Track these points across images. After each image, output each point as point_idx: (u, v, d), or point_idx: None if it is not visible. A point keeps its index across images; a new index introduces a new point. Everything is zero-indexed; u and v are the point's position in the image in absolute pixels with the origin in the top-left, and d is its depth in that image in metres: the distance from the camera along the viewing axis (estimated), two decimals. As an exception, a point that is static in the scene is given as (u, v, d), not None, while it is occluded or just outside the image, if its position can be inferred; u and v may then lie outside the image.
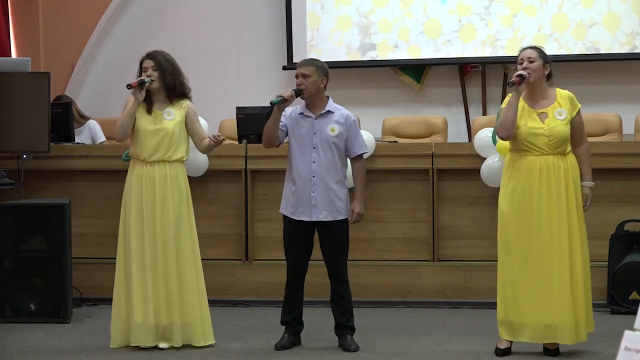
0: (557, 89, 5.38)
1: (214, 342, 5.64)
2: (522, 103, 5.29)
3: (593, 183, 5.38)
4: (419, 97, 8.90)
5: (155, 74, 5.55)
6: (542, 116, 5.26)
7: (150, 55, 5.61)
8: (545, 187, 5.21)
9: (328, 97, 5.58)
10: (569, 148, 5.32)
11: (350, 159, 5.62)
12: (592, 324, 5.35)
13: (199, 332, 5.60)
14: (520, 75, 5.20)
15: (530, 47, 5.38)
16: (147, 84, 5.51)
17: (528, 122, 5.25)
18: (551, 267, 5.19)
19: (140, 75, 5.57)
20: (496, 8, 8.61)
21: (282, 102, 5.37)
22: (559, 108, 5.28)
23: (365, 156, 6.78)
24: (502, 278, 5.31)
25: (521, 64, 5.28)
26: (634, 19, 8.40)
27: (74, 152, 7.25)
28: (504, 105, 5.35)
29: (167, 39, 8.89)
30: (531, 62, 5.26)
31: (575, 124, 5.31)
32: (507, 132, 5.25)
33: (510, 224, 5.26)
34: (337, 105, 5.60)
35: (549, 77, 5.35)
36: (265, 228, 6.87)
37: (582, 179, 5.34)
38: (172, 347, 5.53)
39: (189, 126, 5.63)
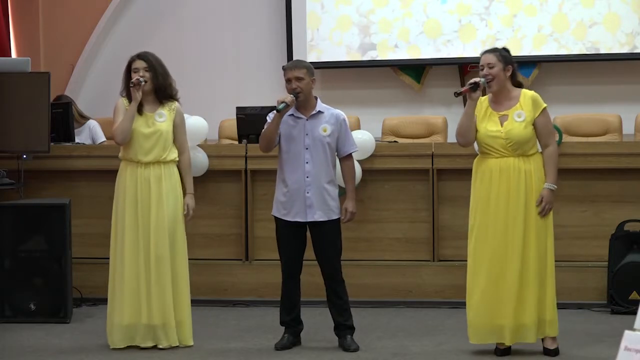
0: (523, 90, 5.33)
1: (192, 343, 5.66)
2: (485, 106, 5.29)
3: (555, 185, 5.24)
4: (419, 97, 8.90)
5: (148, 74, 5.56)
6: (503, 118, 5.26)
7: (141, 56, 5.61)
8: (504, 189, 5.21)
9: (316, 98, 5.60)
10: (534, 150, 5.27)
11: (340, 158, 5.64)
12: (555, 326, 5.28)
13: (189, 332, 5.63)
14: (472, 84, 5.19)
15: (489, 51, 5.33)
16: (143, 84, 5.52)
17: (488, 125, 5.25)
18: (504, 269, 5.20)
19: (128, 75, 5.57)
20: (496, 8, 8.61)
21: (285, 108, 5.40)
22: (519, 110, 5.24)
23: (362, 156, 6.82)
24: (468, 281, 5.35)
25: (482, 69, 5.26)
26: (634, 19, 8.40)
27: (74, 152, 7.24)
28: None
29: (167, 39, 8.90)
30: (491, 67, 5.25)
31: (539, 124, 5.25)
32: (464, 139, 5.32)
33: (473, 227, 5.30)
34: (326, 105, 5.62)
35: (513, 77, 5.29)
36: (265, 228, 6.86)
37: (545, 181, 5.28)
38: (170, 347, 5.55)
39: (173, 129, 5.64)
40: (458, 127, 5.31)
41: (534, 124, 5.23)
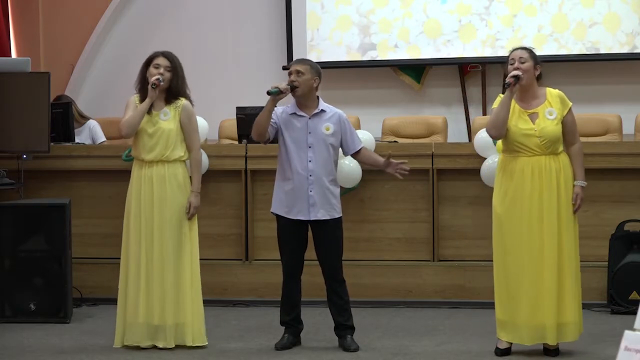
0: (548, 89, 5.36)
1: (207, 343, 5.63)
2: (513, 104, 5.27)
3: (585, 182, 5.32)
4: (419, 97, 8.90)
5: (168, 75, 5.54)
6: (533, 116, 5.26)
7: (166, 54, 5.59)
8: (537, 188, 5.21)
9: (318, 97, 5.60)
10: (561, 148, 5.30)
11: (352, 156, 5.67)
12: (581, 325, 5.30)
13: (194, 332, 5.60)
14: (515, 76, 5.20)
15: (521, 48, 5.37)
16: (161, 84, 5.51)
17: (519, 123, 5.24)
18: (542, 269, 5.19)
19: (146, 68, 5.55)
20: (496, 8, 8.61)
21: (278, 94, 5.40)
22: (550, 108, 5.27)
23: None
24: (498, 279, 5.32)
25: (512, 64, 5.27)
26: (634, 19, 8.39)
27: (74, 152, 7.24)
28: (495, 105, 5.35)
29: (167, 39, 8.88)
30: (522, 62, 5.26)
31: (567, 123, 5.29)
32: (498, 131, 5.25)
33: (504, 226, 5.27)
34: (328, 105, 5.63)
35: (539, 77, 5.33)
36: (265, 228, 6.87)
37: (574, 179, 5.31)
38: (167, 348, 5.54)
39: (181, 127, 5.62)
40: (493, 120, 5.22)
41: (562, 122, 5.26)
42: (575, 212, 5.26)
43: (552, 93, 5.32)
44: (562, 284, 5.20)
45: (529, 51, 5.33)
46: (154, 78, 5.49)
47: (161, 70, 5.53)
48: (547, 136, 5.21)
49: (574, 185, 5.28)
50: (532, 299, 5.19)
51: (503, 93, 5.31)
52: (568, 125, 5.29)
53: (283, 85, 5.42)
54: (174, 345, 5.54)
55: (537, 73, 5.31)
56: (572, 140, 5.33)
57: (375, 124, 8.13)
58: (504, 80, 5.37)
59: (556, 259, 5.18)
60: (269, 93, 5.38)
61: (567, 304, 5.20)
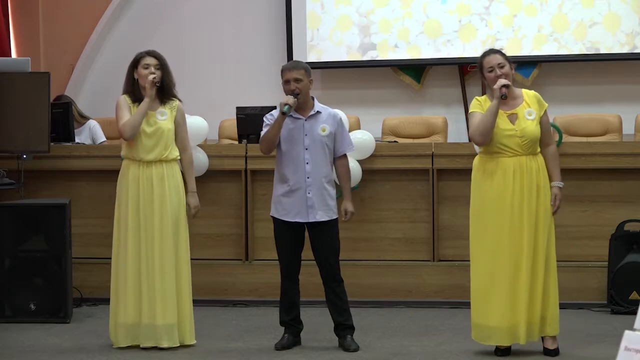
0: (523, 90, 5.39)
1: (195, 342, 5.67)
2: (489, 105, 5.28)
3: (562, 183, 5.33)
4: (419, 97, 8.90)
5: (159, 73, 5.56)
6: (512, 117, 5.27)
7: (151, 53, 5.62)
8: (519, 188, 5.22)
9: (313, 98, 5.60)
10: (539, 149, 5.31)
11: (335, 158, 5.63)
12: (557, 325, 5.30)
13: (191, 331, 5.64)
14: (506, 85, 5.20)
15: (494, 52, 5.35)
16: (158, 82, 5.54)
17: (500, 123, 5.24)
18: (519, 269, 5.19)
19: (133, 69, 5.57)
20: (496, 8, 8.61)
21: (289, 110, 5.41)
22: (528, 108, 5.28)
23: (362, 156, 6.83)
24: (474, 281, 5.32)
25: (491, 71, 5.26)
26: (634, 19, 8.39)
27: (74, 152, 7.24)
28: (473, 109, 5.33)
29: (167, 39, 8.89)
30: (501, 67, 5.26)
31: (543, 123, 5.31)
32: (484, 138, 5.26)
33: (483, 227, 5.28)
34: (323, 105, 5.63)
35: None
36: (265, 228, 6.86)
37: (551, 179, 5.31)
38: (172, 347, 5.55)
39: (175, 128, 5.64)
40: (482, 127, 5.22)
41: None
42: (554, 213, 5.27)
43: (528, 94, 5.34)
44: (541, 283, 5.20)
45: (502, 54, 5.33)
46: (151, 76, 5.50)
47: (152, 69, 5.54)
48: (528, 136, 5.22)
49: (551, 186, 5.28)
50: (507, 301, 5.19)
51: (483, 95, 5.34)
52: (544, 126, 5.31)
53: (291, 99, 5.42)
54: (178, 344, 5.56)
55: (512, 72, 5.32)
56: (547, 141, 5.35)
57: (375, 124, 8.13)
58: (483, 86, 5.37)
59: (532, 259, 5.18)
60: (284, 113, 5.39)
61: (549, 300, 5.21)
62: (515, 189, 5.21)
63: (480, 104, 5.33)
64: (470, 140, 5.40)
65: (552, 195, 5.26)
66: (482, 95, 5.47)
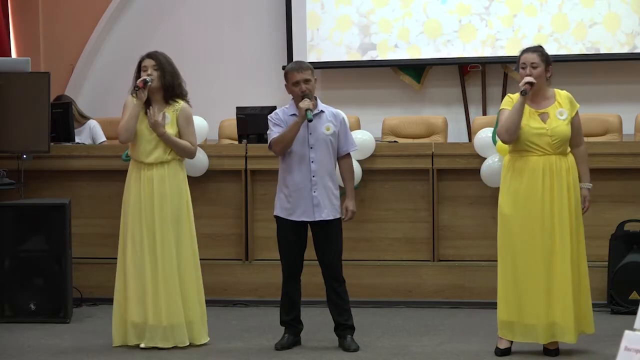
0: (556, 90, 5.39)
1: (208, 339, 5.67)
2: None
3: (591, 184, 5.38)
4: (419, 97, 8.90)
5: (156, 73, 5.56)
6: (544, 116, 5.28)
7: (150, 55, 5.62)
8: (548, 187, 5.22)
9: (316, 97, 5.61)
10: (569, 148, 5.33)
11: (339, 157, 5.64)
12: (592, 323, 5.34)
13: (196, 331, 5.63)
14: (529, 83, 5.20)
15: (533, 50, 5.36)
16: (149, 83, 5.51)
17: (530, 122, 5.25)
18: (554, 267, 5.20)
19: (139, 75, 5.58)
20: (496, 8, 8.61)
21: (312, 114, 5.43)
22: (560, 108, 5.30)
23: (362, 156, 6.83)
24: (503, 279, 5.30)
25: (524, 68, 5.27)
26: (634, 19, 8.39)
27: (74, 152, 7.25)
28: (503, 106, 5.34)
29: (167, 39, 8.89)
30: (534, 67, 5.26)
31: (575, 124, 5.33)
32: (511, 136, 5.24)
33: (513, 226, 5.26)
34: (325, 105, 5.63)
35: (549, 77, 5.36)
36: (265, 228, 6.87)
37: (580, 180, 5.35)
38: (172, 347, 5.55)
39: (179, 130, 5.62)
40: (507, 123, 5.21)
41: (570, 123, 5.29)
42: (583, 213, 5.33)
43: (561, 94, 5.35)
44: (575, 283, 5.23)
45: (540, 54, 5.32)
46: (138, 80, 5.52)
47: (149, 71, 5.54)
48: (558, 135, 5.23)
49: (581, 188, 5.32)
50: (544, 299, 5.19)
51: (505, 94, 5.32)
52: (575, 127, 5.33)
53: (310, 103, 5.41)
54: (187, 344, 5.56)
55: (549, 75, 5.32)
56: (578, 142, 5.37)
57: (375, 124, 8.13)
58: (505, 78, 5.37)
59: (569, 257, 5.20)
60: (310, 120, 5.39)
61: (580, 302, 5.23)
62: (545, 187, 5.22)
63: (511, 101, 5.32)
64: (497, 137, 5.39)
65: (581, 197, 5.31)
66: (506, 96, 5.44)
